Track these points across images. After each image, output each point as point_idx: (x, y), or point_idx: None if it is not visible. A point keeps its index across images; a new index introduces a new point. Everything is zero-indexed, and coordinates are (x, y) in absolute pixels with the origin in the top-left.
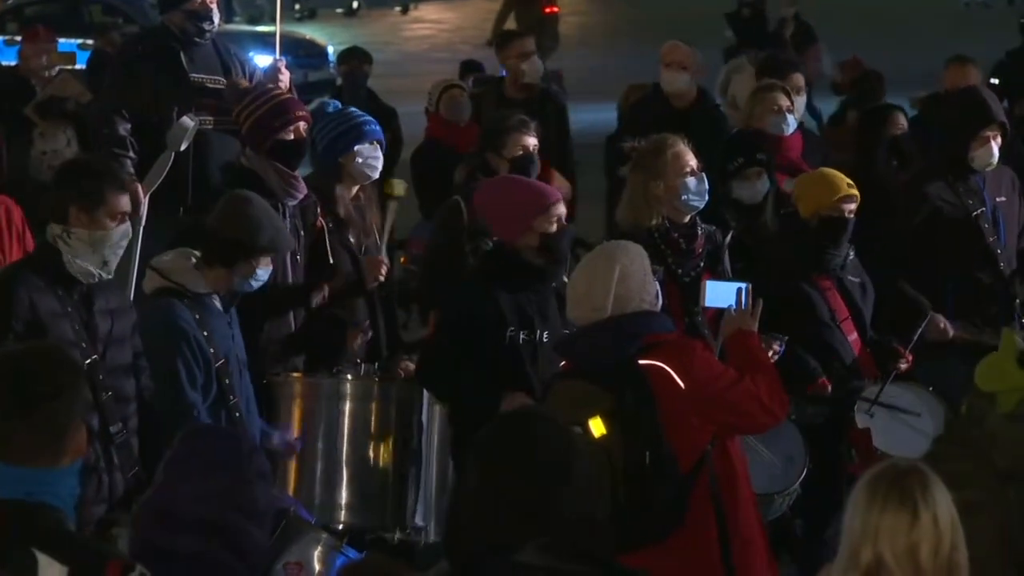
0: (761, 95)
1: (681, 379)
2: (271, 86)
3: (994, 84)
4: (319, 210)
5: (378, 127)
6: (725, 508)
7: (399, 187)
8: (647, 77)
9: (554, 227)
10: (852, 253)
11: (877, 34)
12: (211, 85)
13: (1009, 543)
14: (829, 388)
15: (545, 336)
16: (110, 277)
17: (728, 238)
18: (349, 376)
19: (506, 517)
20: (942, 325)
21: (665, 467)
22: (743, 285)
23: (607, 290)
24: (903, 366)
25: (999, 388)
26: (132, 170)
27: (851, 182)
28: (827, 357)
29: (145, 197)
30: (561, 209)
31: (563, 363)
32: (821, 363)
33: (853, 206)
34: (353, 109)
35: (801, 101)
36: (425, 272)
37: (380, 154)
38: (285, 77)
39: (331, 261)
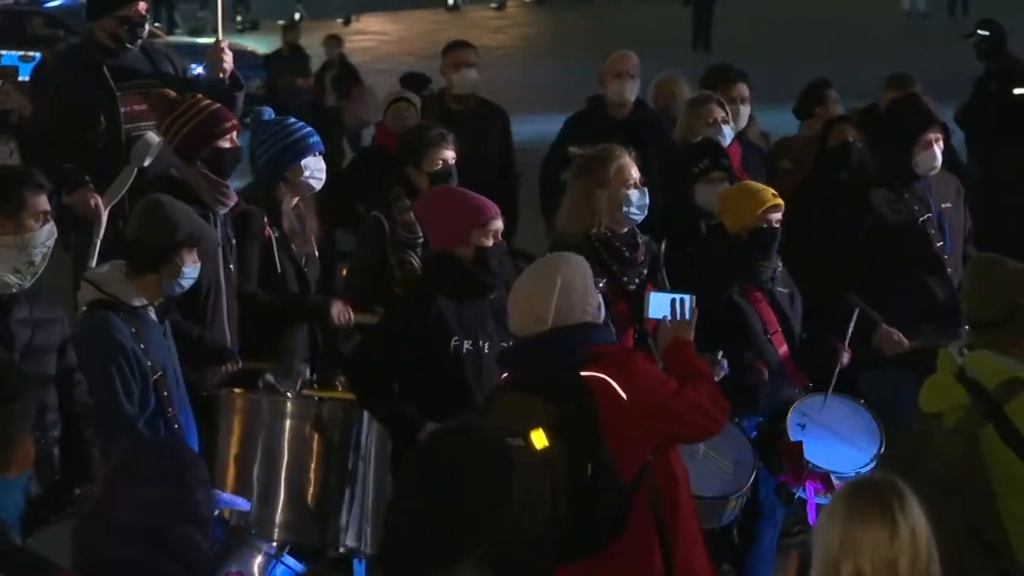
0: (696, 107)
1: (623, 390)
2: (199, 97)
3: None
4: (265, 220)
5: (319, 137)
6: (666, 517)
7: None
8: (591, 89)
9: (491, 242)
10: (780, 264)
11: (818, 43)
12: (144, 91)
13: (953, 558)
14: (765, 374)
15: (487, 348)
16: (34, 281)
17: (663, 247)
18: (290, 394)
19: (443, 533)
20: (896, 337)
21: (607, 478)
22: (680, 296)
23: (549, 302)
24: (845, 358)
25: (943, 408)
26: (88, 179)
27: (775, 192)
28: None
29: (106, 211)
30: (499, 225)
31: (505, 375)
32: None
33: (778, 215)
34: (293, 120)
35: (745, 111)
36: (351, 287)
37: (324, 166)
38: (228, 57)
39: (280, 270)
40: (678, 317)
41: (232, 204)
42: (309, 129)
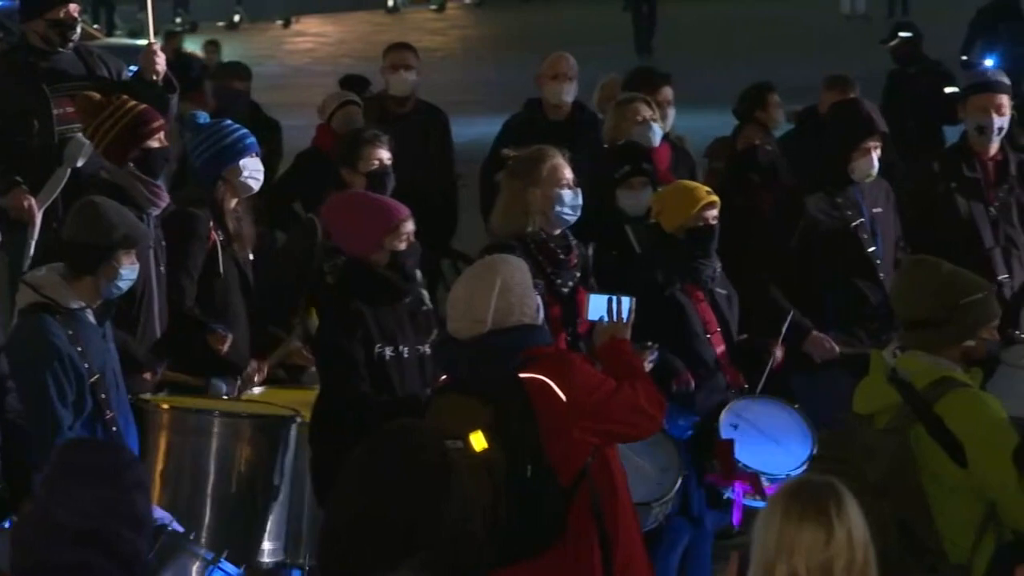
0: (623, 107)
1: (562, 392)
2: (124, 98)
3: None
4: (211, 223)
5: (255, 139)
6: (606, 520)
7: None
8: (532, 91)
9: (404, 245)
10: (719, 265)
11: (756, 45)
12: (78, 92)
13: (883, 557)
14: (693, 384)
15: (406, 353)
16: None
17: (591, 250)
18: (217, 412)
19: (383, 535)
20: (827, 344)
21: (546, 481)
22: (616, 296)
23: (488, 303)
24: (779, 354)
25: (875, 409)
26: (21, 180)
27: (709, 189)
28: (695, 367)
29: (39, 212)
30: (410, 227)
31: (444, 377)
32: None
33: (715, 212)
34: (228, 121)
35: (672, 114)
36: (272, 287)
37: (262, 166)
38: (161, 59)
39: (223, 274)
40: (614, 317)
41: (164, 205)
42: (245, 130)
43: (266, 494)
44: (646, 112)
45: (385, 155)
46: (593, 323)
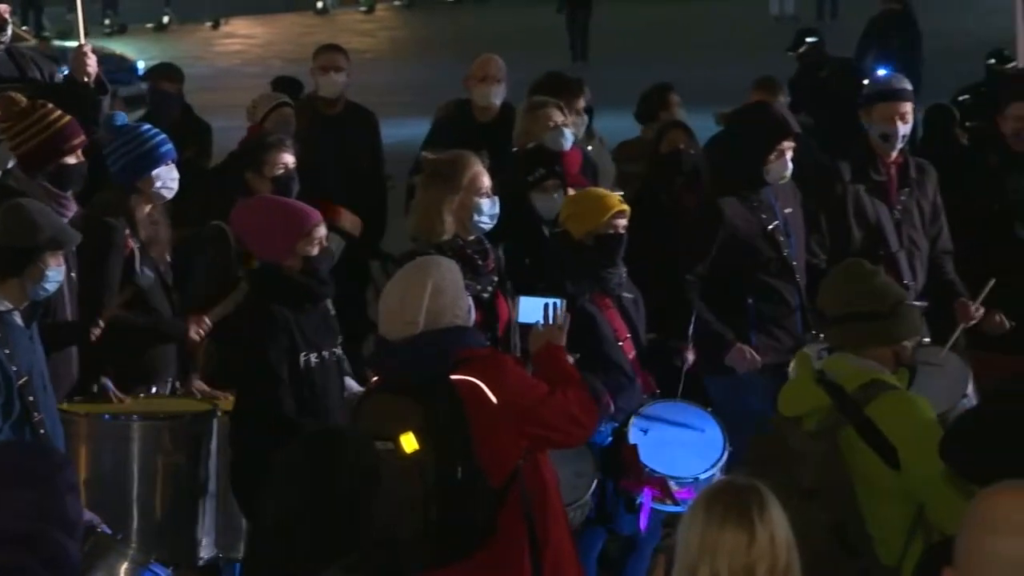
0: (534, 112)
1: (494, 394)
2: (50, 107)
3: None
4: (127, 232)
5: (171, 145)
6: (536, 523)
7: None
8: (462, 92)
9: (316, 250)
10: (625, 271)
11: (685, 46)
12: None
13: (813, 560)
14: (613, 407)
15: (327, 356)
16: None
17: (501, 251)
18: (136, 417)
19: (313, 536)
20: (748, 355)
21: (476, 483)
22: (552, 300)
23: (420, 305)
24: (690, 357)
25: (803, 411)
26: None
27: (621, 198)
28: (614, 376)
29: None
30: (322, 231)
31: (375, 378)
32: (605, 380)
33: (624, 221)
34: (145, 127)
35: (583, 120)
36: (195, 297)
37: (176, 173)
38: (92, 61)
39: (140, 284)
40: (551, 321)
41: (70, 216)
42: (162, 137)
43: (195, 492)
44: (558, 117)
45: (290, 160)
46: (512, 326)
